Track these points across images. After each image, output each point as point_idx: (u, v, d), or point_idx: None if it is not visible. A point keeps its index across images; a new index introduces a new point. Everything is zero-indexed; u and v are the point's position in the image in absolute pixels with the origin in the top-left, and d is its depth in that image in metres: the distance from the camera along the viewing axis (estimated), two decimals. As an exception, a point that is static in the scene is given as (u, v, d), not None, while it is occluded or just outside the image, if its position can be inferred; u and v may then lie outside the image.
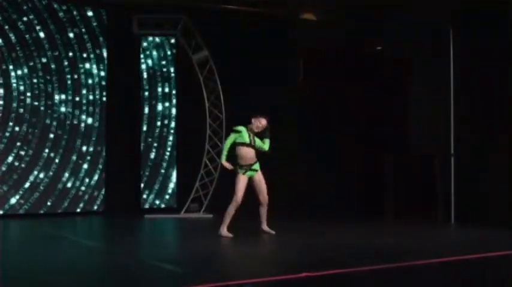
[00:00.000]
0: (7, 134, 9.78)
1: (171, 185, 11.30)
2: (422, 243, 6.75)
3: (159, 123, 11.29)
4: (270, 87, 10.75)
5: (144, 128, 11.15)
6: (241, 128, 7.41)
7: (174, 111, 11.38)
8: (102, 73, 10.63)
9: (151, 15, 10.03)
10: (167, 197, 11.29)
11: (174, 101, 11.40)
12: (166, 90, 11.39)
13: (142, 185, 11.05)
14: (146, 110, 11.16)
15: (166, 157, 11.31)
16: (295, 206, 10.39)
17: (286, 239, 7.11)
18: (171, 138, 11.35)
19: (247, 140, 7.35)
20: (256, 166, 7.43)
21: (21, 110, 9.92)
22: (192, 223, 9.05)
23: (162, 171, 11.26)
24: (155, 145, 11.25)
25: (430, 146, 9.55)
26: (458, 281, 4.87)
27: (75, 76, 10.40)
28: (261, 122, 7.48)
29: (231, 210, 7.25)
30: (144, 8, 10.14)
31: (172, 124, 11.36)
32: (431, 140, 9.54)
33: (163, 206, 11.19)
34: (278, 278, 4.45)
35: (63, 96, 10.27)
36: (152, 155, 11.19)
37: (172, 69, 11.43)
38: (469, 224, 8.33)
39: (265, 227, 7.55)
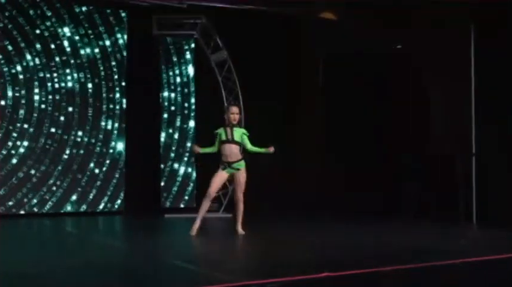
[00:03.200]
0: (29, 134, 9.92)
1: (191, 185, 11.34)
2: (443, 243, 6.69)
3: (178, 123, 11.35)
4: (289, 87, 10.75)
5: (163, 129, 11.21)
6: (219, 129, 7.27)
7: (192, 111, 11.42)
8: (122, 79, 10.73)
9: (171, 16, 10.09)
10: (186, 197, 11.33)
11: (192, 100, 11.44)
12: (186, 90, 11.45)
13: (162, 185, 11.11)
14: (165, 113, 11.25)
15: (185, 157, 11.36)
16: (314, 205, 10.36)
17: (305, 239, 7.10)
18: (190, 138, 11.39)
19: (223, 137, 7.16)
20: (238, 165, 7.16)
21: (43, 106, 10.04)
22: (211, 223, 9.06)
23: (182, 171, 11.31)
24: (174, 144, 11.30)
25: (451, 145, 9.45)
26: (480, 282, 4.82)
27: (96, 80, 10.51)
28: (231, 111, 7.20)
29: (203, 204, 7.11)
30: (164, 9, 10.20)
31: (191, 124, 11.41)
32: (452, 139, 9.44)
33: (182, 206, 11.24)
34: (298, 278, 4.44)
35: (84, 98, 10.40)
36: (171, 155, 11.25)
37: (191, 70, 11.48)
38: (491, 225, 8.23)
39: (238, 227, 7.21)
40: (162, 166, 11.14)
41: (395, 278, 4.75)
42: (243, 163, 7.20)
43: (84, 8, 10.39)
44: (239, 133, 7.19)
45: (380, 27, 9.84)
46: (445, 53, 9.42)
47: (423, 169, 9.60)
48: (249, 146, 7.20)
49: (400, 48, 10.46)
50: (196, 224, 7.09)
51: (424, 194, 9.43)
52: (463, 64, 9.00)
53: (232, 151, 7.13)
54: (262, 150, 7.18)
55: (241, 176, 7.12)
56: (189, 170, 11.36)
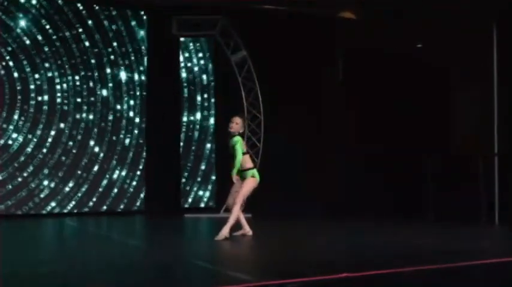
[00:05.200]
0: (51, 135, 10.02)
1: (210, 185, 11.37)
2: (465, 244, 6.61)
3: (198, 124, 11.39)
4: (309, 87, 10.71)
5: (184, 129, 11.26)
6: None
7: (212, 111, 11.46)
8: (143, 77, 10.79)
9: (190, 16, 10.13)
10: (206, 197, 11.36)
11: (212, 100, 11.48)
12: (205, 90, 11.49)
13: (182, 185, 11.16)
14: (185, 113, 11.30)
15: (205, 157, 11.39)
16: (334, 206, 10.32)
17: (325, 239, 7.06)
18: (210, 138, 11.42)
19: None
20: (245, 174, 6.92)
21: (66, 108, 10.15)
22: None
23: (202, 171, 11.34)
24: (194, 144, 11.34)
25: (473, 146, 9.34)
26: (504, 283, 4.75)
27: (117, 79, 10.59)
28: (232, 122, 6.93)
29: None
30: (183, 9, 10.25)
31: (211, 121, 11.44)
32: (474, 140, 9.33)
33: (202, 205, 11.27)
34: (318, 278, 4.42)
35: (104, 93, 10.47)
36: (192, 155, 11.29)
37: (210, 70, 11.52)
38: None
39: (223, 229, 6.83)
40: (182, 166, 11.18)
41: (416, 279, 4.71)
42: (245, 173, 6.90)
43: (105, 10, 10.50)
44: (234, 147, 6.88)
45: (401, 25, 9.77)
46: (468, 51, 9.32)
47: (444, 169, 9.49)
48: (236, 157, 6.80)
49: (421, 47, 10.37)
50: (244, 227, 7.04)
51: (445, 195, 9.33)
52: (486, 63, 8.89)
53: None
54: (234, 170, 6.80)
55: (242, 184, 6.89)
56: (209, 170, 11.39)
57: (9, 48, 9.70)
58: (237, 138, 6.84)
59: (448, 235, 7.50)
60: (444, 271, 4.95)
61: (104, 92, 10.49)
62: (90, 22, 10.37)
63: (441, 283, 4.64)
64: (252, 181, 6.90)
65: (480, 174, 9.00)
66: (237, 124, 6.93)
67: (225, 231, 6.69)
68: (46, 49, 10.00)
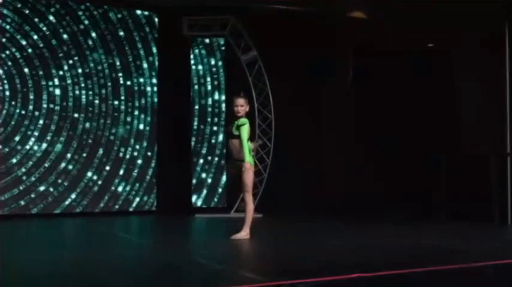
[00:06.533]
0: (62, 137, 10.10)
1: (221, 185, 11.40)
2: (476, 245, 6.57)
3: (208, 122, 11.42)
4: (320, 87, 10.71)
5: (195, 128, 11.29)
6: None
7: (223, 111, 11.48)
8: (154, 80, 10.83)
9: (201, 16, 10.16)
10: (217, 197, 11.39)
11: (223, 97, 11.50)
12: (216, 90, 11.51)
13: (193, 185, 11.18)
14: (196, 111, 11.32)
15: (216, 156, 11.41)
16: (345, 206, 10.30)
17: (336, 240, 7.05)
18: (220, 138, 11.45)
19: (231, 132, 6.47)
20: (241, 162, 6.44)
21: (76, 115, 10.23)
22: (242, 223, 9.07)
23: (212, 171, 11.36)
24: (205, 144, 11.37)
25: (485, 145, 9.29)
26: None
27: (128, 82, 10.64)
28: (235, 103, 6.49)
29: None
30: (194, 10, 10.27)
31: (222, 123, 11.46)
32: (486, 139, 9.28)
33: (213, 205, 11.30)
34: (329, 279, 4.41)
35: (116, 102, 10.53)
36: (202, 155, 11.32)
37: (221, 70, 11.54)
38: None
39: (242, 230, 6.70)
40: (193, 165, 11.21)
41: (428, 279, 4.69)
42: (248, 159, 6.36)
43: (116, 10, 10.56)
44: (235, 125, 6.36)
45: (413, 25, 9.73)
46: (479, 50, 9.27)
47: (456, 168, 9.45)
48: (243, 139, 6.27)
49: (432, 46, 10.33)
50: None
51: (456, 195, 9.28)
52: (497, 62, 8.83)
53: (234, 147, 6.46)
54: (247, 157, 6.26)
55: (244, 176, 6.42)
56: (220, 169, 11.41)
57: (25, 54, 9.80)
58: (245, 120, 6.36)
59: (459, 235, 7.46)
60: (456, 271, 4.93)
61: (119, 89, 10.54)
62: (101, 24, 10.43)
63: (453, 284, 4.62)
64: (252, 169, 6.48)
65: (492, 173, 8.95)
66: (241, 106, 6.43)
67: (241, 232, 6.64)
68: (61, 56, 10.06)
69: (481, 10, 8.87)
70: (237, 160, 6.47)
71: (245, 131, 6.29)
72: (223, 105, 11.48)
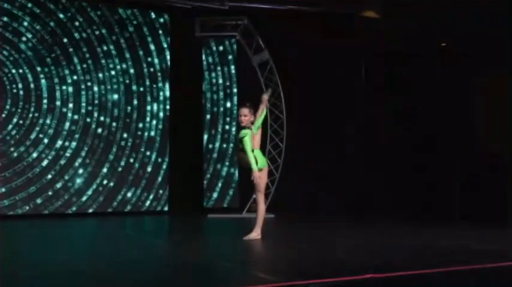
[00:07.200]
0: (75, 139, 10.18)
1: (233, 185, 11.43)
2: (492, 245, 6.54)
3: (220, 123, 11.45)
4: (332, 88, 10.68)
5: (207, 129, 11.33)
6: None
7: (235, 112, 11.50)
8: (167, 84, 10.88)
9: (213, 17, 10.19)
10: (229, 197, 11.42)
11: (235, 101, 11.53)
12: (228, 91, 11.55)
13: (205, 185, 11.22)
14: (208, 115, 11.36)
15: (228, 157, 11.44)
16: (358, 206, 10.28)
17: (349, 240, 7.05)
18: (232, 138, 11.48)
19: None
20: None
21: (90, 108, 10.28)
22: (253, 223, 9.09)
23: (224, 171, 11.39)
24: (217, 144, 11.40)
25: (497, 145, 9.21)
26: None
27: (141, 88, 10.70)
28: (239, 113, 6.67)
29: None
30: (206, 11, 10.31)
31: (234, 124, 11.49)
32: (498, 139, 9.21)
33: (225, 206, 11.33)
34: (342, 279, 4.42)
35: (129, 108, 10.60)
36: (214, 156, 11.36)
37: (233, 71, 11.58)
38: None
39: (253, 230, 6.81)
40: (205, 166, 11.25)
41: (442, 280, 4.68)
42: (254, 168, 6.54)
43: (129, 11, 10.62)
44: (239, 139, 6.63)
45: (423, 24, 9.68)
46: (491, 50, 9.20)
47: (469, 169, 9.39)
48: (247, 151, 6.48)
49: (444, 46, 10.26)
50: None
51: (472, 194, 9.22)
52: (509, 61, 8.77)
53: (241, 159, 6.68)
54: (253, 166, 6.45)
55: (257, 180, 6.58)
56: (232, 170, 11.44)
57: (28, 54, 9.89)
58: (246, 131, 6.51)
59: (474, 236, 7.42)
60: (471, 272, 4.91)
61: (129, 90, 10.60)
62: (114, 26, 10.50)
63: (468, 284, 4.61)
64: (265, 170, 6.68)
65: (508, 173, 8.87)
66: (245, 116, 6.57)
67: (252, 233, 6.70)
68: (75, 59, 10.14)
69: (494, 5, 8.77)
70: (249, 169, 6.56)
71: (246, 144, 6.48)
72: (235, 107, 11.52)
